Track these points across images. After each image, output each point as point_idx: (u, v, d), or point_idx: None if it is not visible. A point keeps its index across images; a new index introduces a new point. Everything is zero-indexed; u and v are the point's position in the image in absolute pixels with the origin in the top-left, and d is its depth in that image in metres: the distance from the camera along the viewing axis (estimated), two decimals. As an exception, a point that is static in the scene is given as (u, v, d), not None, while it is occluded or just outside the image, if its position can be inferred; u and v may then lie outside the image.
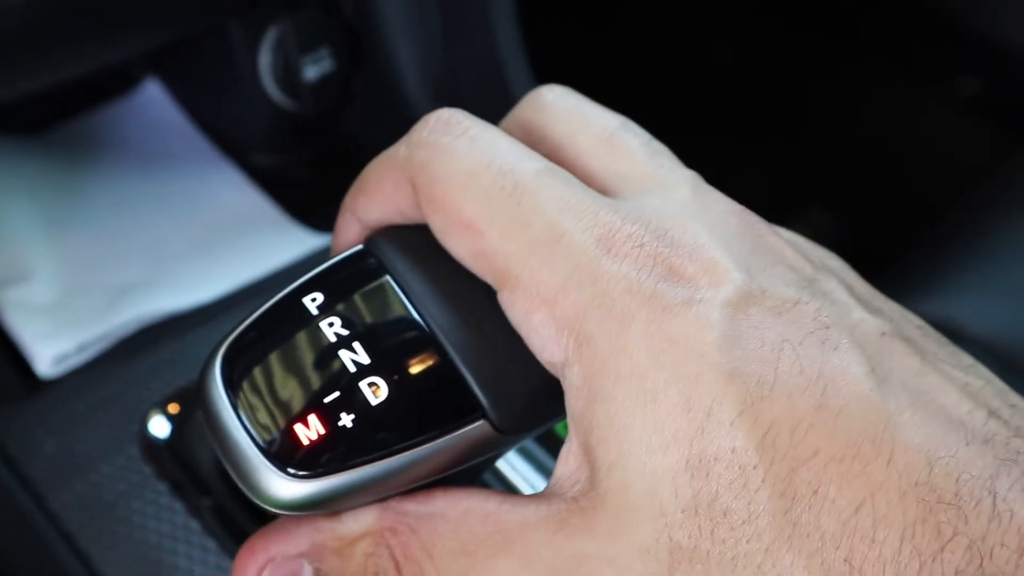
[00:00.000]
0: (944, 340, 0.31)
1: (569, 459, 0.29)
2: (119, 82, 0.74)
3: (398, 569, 0.30)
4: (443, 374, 0.29)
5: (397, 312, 0.30)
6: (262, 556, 0.31)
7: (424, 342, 0.30)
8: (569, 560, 0.28)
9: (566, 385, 0.29)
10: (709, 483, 0.26)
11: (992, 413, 0.28)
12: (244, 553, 0.32)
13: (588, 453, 0.28)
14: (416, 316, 0.30)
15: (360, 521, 0.30)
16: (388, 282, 0.31)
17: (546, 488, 0.30)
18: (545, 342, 0.29)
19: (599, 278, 0.28)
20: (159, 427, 0.53)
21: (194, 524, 0.50)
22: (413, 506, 0.30)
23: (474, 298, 0.30)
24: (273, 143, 0.72)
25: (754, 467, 0.26)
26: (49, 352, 0.56)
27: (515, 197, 0.29)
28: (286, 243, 0.65)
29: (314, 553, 0.31)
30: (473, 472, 0.32)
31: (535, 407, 0.30)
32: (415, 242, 0.31)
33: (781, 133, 1.08)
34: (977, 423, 0.27)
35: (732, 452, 0.26)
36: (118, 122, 0.73)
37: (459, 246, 0.30)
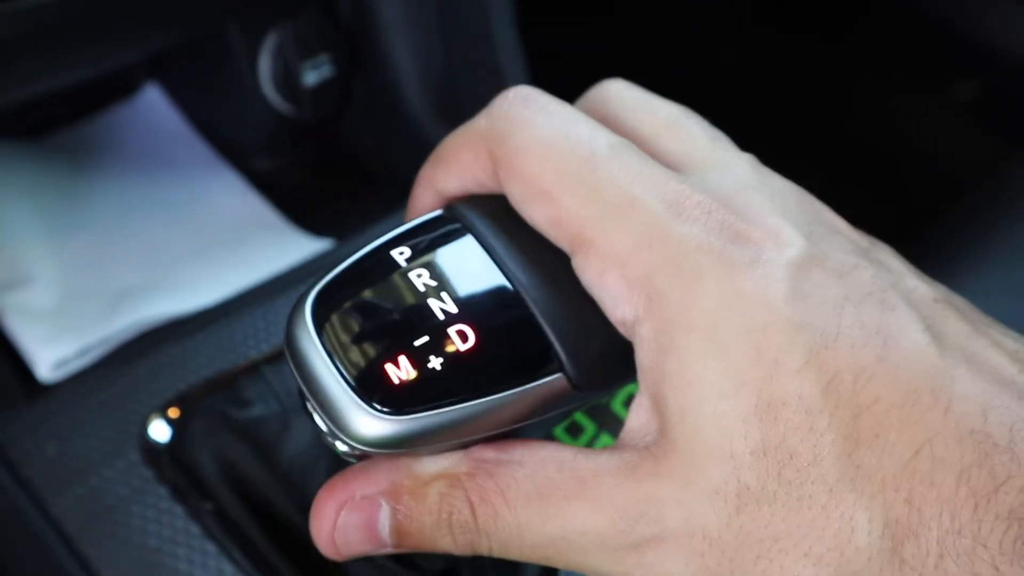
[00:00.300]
0: (992, 318, 0.33)
1: (640, 412, 0.31)
2: (120, 87, 0.74)
3: (472, 510, 0.31)
4: (525, 328, 0.31)
5: (481, 268, 0.32)
6: (342, 494, 0.32)
7: (508, 297, 0.31)
8: (640, 503, 0.29)
9: (637, 341, 0.30)
10: (777, 426, 0.28)
11: None
12: (323, 493, 0.33)
13: (659, 403, 0.30)
14: (499, 273, 0.32)
15: (438, 463, 0.32)
16: (471, 241, 0.32)
17: (618, 441, 0.31)
18: (618, 301, 0.30)
19: (669, 239, 0.30)
20: (159, 431, 0.54)
21: (194, 528, 0.50)
22: (492, 453, 0.31)
23: (552, 261, 0.32)
24: (273, 148, 0.73)
25: (820, 411, 0.27)
26: (50, 356, 0.57)
27: (590, 166, 0.31)
28: (286, 247, 0.66)
29: (392, 492, 0.32)
30: (545, 426, 0.33)
31: (608, 366, 0.32)
32: (494, 208, 0.33)
33: (778, 134, 1.08)
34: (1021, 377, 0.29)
35: (799, 398, 0.28)
36: (119, 127, 0.73)
37: (537, 213, 0.32)
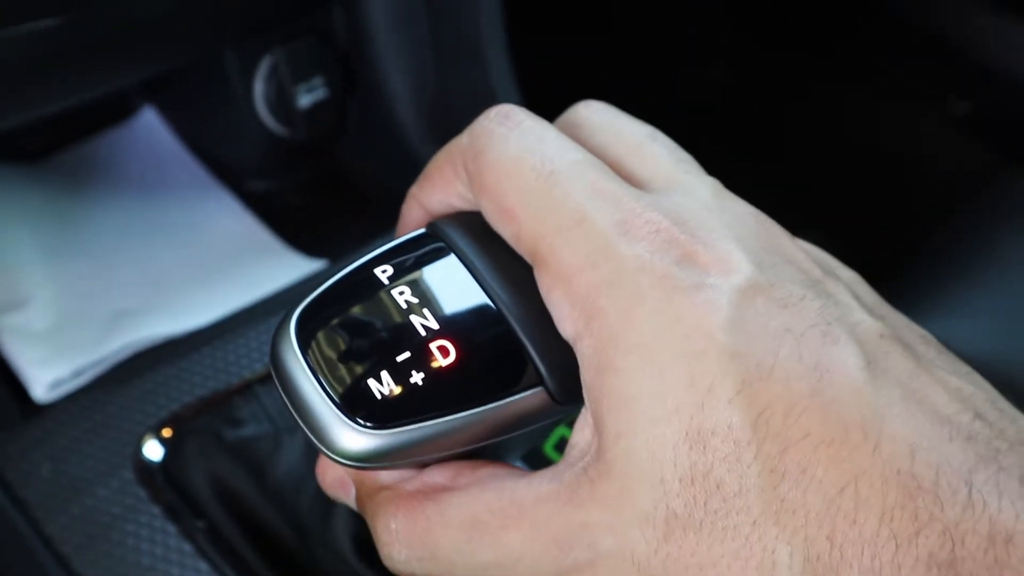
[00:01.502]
0: (944, 350, 0.33)
1: (584, 430, 0.31)
2: (116, 110, 0.75)
3: (409, 529, 0.32)
4: (505, 343, 0.32)
5: (462, 286, 0.32)
6: (323, 464, 0.36)
7: (488, 313, 0.32)
8: (575, 530, 0.29)
9: (579, 358, 0.30)
10: (706, 455, 0.28)
11: (979, 415, 0.29)
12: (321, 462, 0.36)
13: (598, 423, 0.30)
14: (480, 290, 0.32)
15: (392, 476, 0.33)
16: (452, 259, 0.33)
17: (563, 458, 0.31)
18: (562, 317, 0.31)
19: (613, 257, 0.30)
20: (153, 451, 0.54)
21: (187, 547, 0.51)
22: (440, 478, 0.32)
23: (529, 277, 0.32)
24: (268, 169, 0.73)
25: (748, 443, 0.27)
26: (45, 377, 0.57)
27: (549, 183, 0.31)
28: (280, 268, 0.66)
29: (355, 494, 0.34)
30: (528, 438, 0.33)
31: (579, 378, 0.31)
32: (474, 225, 0.33)
33: (772, 151, 1.09)
34: (963, 422, 0.29)
35: (728, 428, 0.28)
36: (115, 149, 0.74)
37: (503, 229, 0.32)
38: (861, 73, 1.15)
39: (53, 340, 0.59)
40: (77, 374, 0.58)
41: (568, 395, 0.32)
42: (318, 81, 0.69)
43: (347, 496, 0.36)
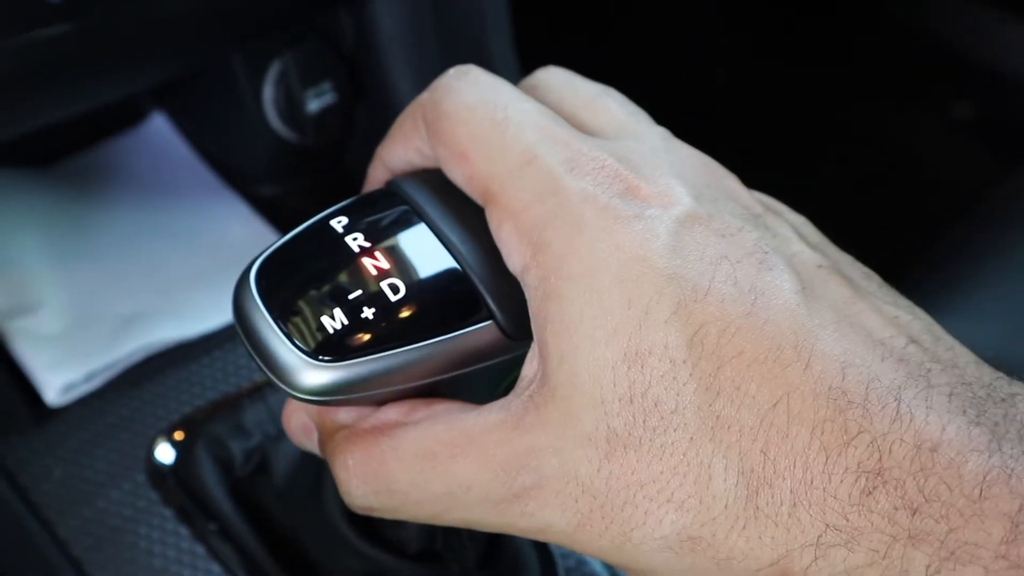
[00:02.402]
0: (887, 285, 0.34)
1: (532, 361, 0.32)
2: (126, 115, 0.76)
3: (366, 464, 0.33)
4: (456, 281, 0.33)
5: (415, 232, 0.34)
6: (289, 408, 0.37)
7: (439, 255, 0.33)
8: (521, 455, 0.30)
9: (525, 289, 0.32)
10: (644, 374, 0.29)
11: (913, 340, 0.30)
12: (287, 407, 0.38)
13: (542, 350, 0.31)
14: (430, 232, 0.33)
15: (350, 415, 0.34)
16: (406, 209, 0.34)
17: (514, 389, 0.32)
18: (511, 251, 0.32)
19: (559, 192, 0.31)
20: (165, 454, 0.55)
21: (199, 549, 0.51)
22: (394, 415, 0.33)
23: (479, 220, 0.33)
24: (276, 174, 0.74)
25: (683, 361, 0.29)
26: (57, 381, 0.58)
27: (502, 127, 0.33)
28: (289, 272, 0.67)
29: (316, 436, 0.36)
30: (487, 381, 0.34)
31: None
32: (430, 179, 0.35)
33: (775, 155, 1.09)
34: (897, 345, 0.30)
35: (664, 347, 0.29)
36: (125, 154, 0.74)
37: (455, 172, 0.34)
38: (864, 76, 1.16)
39: (65, 344, 0.60)
40: (89, 378, 0.58)
41: (519, 329, 0.33)
42: (326, 86, 0.69)
43: (310, 442, 0.37)
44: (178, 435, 0.55)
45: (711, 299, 0.29)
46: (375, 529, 0.46)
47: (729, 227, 0.31)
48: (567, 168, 0.31)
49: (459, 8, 0.69)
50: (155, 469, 0.54)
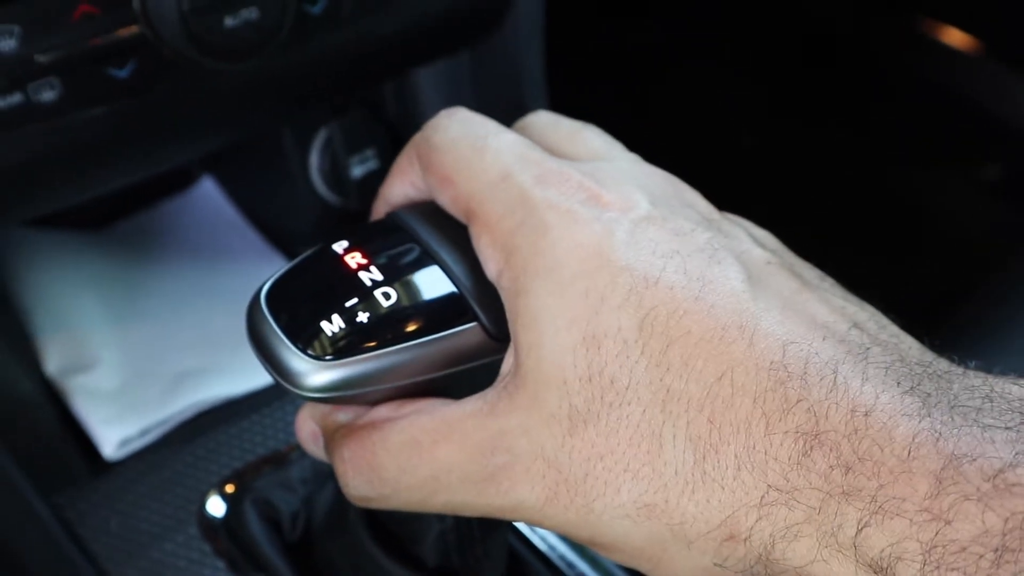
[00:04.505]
0: (845, 290, 0.36)
1: (509, 357, 0.35)
2: (177, 179, 0.79)
3: (360, 456, 0.36)
4: (444, 290, 0.36)
5: (407, 249, 0.37)
6: (298, 419, 0.40)
7: (429, 267, 0.37)
8: (495, 437, 0.33)
9: (501, 293, 0.35)
10: (600, 355, 0.32)
11: (857, 326, 0.33)
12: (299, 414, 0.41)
13: (515, 342, 0.34)
14: (422, 250, 0.37)
15: (347, 414, 0.38)
16: (401, 232, 0.38)
17: (493, 384, 0.35)
18: (488, 260, 0.35)
19: (527, 202, 0.34)
20: (216, 507, 0.57)
21: (249, 599, 0.53)
22: (385, 411, 0.36)
23: (465, 240, 0.37)
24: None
25: (635, 341, 0.31)
26: (114, 436, 0.60)
27: (481, 152, 0.36)
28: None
29: (318, 434, 0.39)
30: (474, 380, 0.37)
31: None
32: (424, 207, 0.39)
33: (802, 213, 1.11)
34: (840, 329, 0.32)
35: (618, 330, 0.32)
36: (175, 217, 0.77)
37: (443, 197, 0.37)
38: (892, 138, 1.17)
39: (121, 400, 0.62)
40: (144, 433, 0.60)
41: (502, 331, 0.36)
42: (370, 152, 0.72)
43: (318, 447, 0.40)
44: (229, 488, 0.57)
45: (661, 286, 0.32)
46: (398, 545, 0.48)
47: (682, 228, 0.34)
48: (536, 182, 0.35)
49: (497, 75, 0.72)
50: (207, 522, 0.56)
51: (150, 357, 0.66)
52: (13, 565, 0.56)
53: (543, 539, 0.56)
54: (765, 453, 0.30)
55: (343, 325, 0.35)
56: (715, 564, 0.32)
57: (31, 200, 0.53)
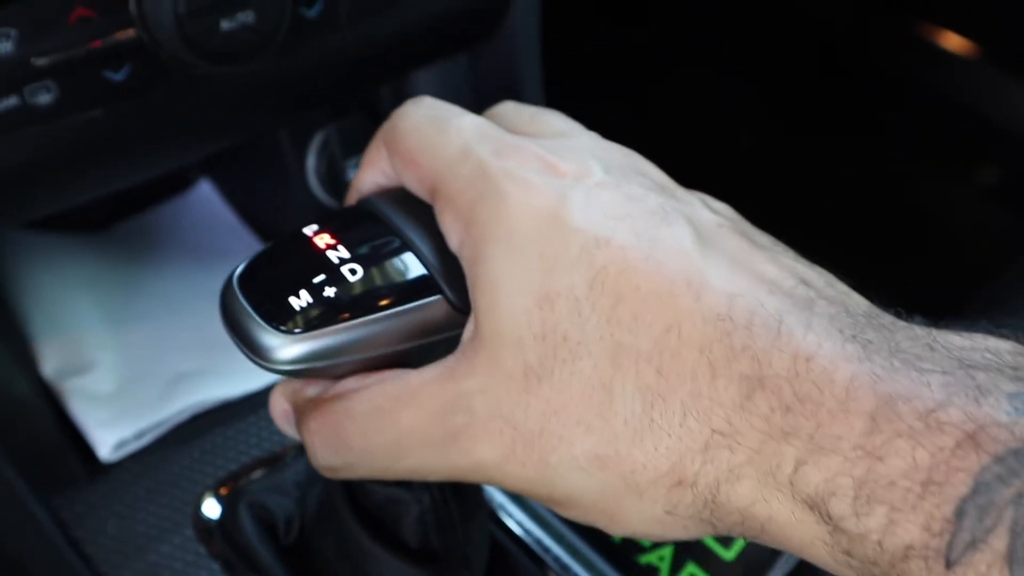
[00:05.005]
0: (796, 253, 0.37)
1: (470, 324, 0.35)
2: (174, 182, 0.79)
3: (329, 428, 0.37)
4: (409, 265, 0.37)
5: (374, 229, 0.38)
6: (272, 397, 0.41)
7: (394, 244, 0.38)
8: (454, 400, 0.34)
9: (463, 264, 0.36)
10: (553, 313, 0.32)
11: (805, 282, 0.33)
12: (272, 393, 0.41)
13: (474, 308, 0.35)
14: (389, 229, 0.38)
15: (316, 388, 0.39)
16: (369, 214, 0.39)
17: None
18: (450, 233, 0.36)
19: (486, 174, 0.35)
20: (211, 508, 0.57)
21: (244, 601, 0.53)
22: (353, 383, 0.37)
23: (431, 218, 0.37)
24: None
25: (585, 298, 0.32)
26: (110, 438, 0.60)
27: (444, 131, 0.37)
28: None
29: (290, 410, 0.40)
30: (433, 353, 0.37)
31: None
32: (391, 192, 0.40)
33: (798, 217, 1.11)
34: (787, 284, 0.33)
35: (570, 288, 0.32)
36: (173, 220, 0.77)
37: (408, 178, 0.38)
38: (889, 142, 1.17)
39: (117, 403, 0.62)
40: (140, 435, 0.61)
41: (466, 304, 0.36)
42: (367, 155, 0.72)
43: (290, 424, 0.41)
44: (224, 490, 0.58)
45: (612, 246, 0.33)
46: (381, 528, 0.48)
47: (635, 193, 0.35)
48: (494, 155, 0.36)
49: (494, 77, 0.72)
50: (202, 524, 0.56)
51: (146, 359, 0.66)
52: (10, 567, 0.56)
53: (520, 524, 0.56)
54: (710, 399, 0.31)
55: (311, 300, 0.36)
56: (666, 512, 0.33)
57: (28, 203, 0.53)
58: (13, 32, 0.44)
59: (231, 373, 0.65)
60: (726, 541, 0.55)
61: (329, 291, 0.36)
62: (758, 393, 0.30)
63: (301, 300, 0.36)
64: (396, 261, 0.37)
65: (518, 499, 0.57)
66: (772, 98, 1.25)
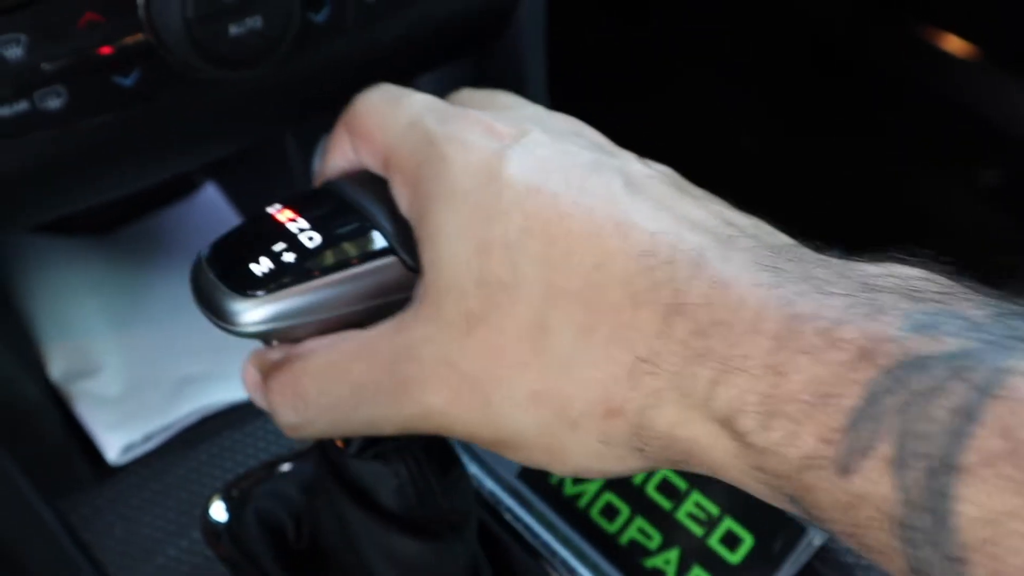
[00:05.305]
0: (729, 205, 0.38)
1: (419, 282, 0.37)
2: (180, 186, 0.79)
3: (289, 385, 0.38)
4: (364, 232, 0.39)
5: (333, 204, 0.40)
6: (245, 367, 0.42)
7: (350, 213, 0.40)
8: (403, 350, 0.36)
9: (412, 225, 0.37)
10: (490, 260, 0.34)
11: (731, 224, 0.35)
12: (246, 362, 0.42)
13: (421, 263, 0.36)
14: (345, 201, 0.40)
15: (281, 352, 0.40)
16: (328, 192, 0.41)
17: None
18: (400, 198, 0.38)
19: (431, 140, 0.37)
20: (219, 512, 0.57)
21: (253, 604, 0.53)
22: (313, 343, 0.39)
23: (386, 191, 0.40)
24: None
25: (518, 244, 0.34)
26: (118, 442, 0.60)
27: (397, 108, 0.39)
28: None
29: (260, 375, 0.41)
30: (389, 313, 0.39)
31: None
32: (354, 174, 0.42)
33: (800, 218, 1.11)
34: (711, 225, 0.34)
35: (504, 234, 0.34)
36: (179, 223, 0.78)
37: (365, 154, 0.40)
38: (889, 143, 1.17)
39: (124, 406, 0.63)
40: (147, 439, 0.61)
41: (417, 262, 0.38)
42: (372, 159, 0.72)
43: (260, 393, 0.42)
44: (232, 493, 0.58)
45: (544, 194, 0.34)
46: (368, 500, 0.48)
47: (570, 150, 0.37)
48: (438, 122, 0.37)
49: (499, 79, 0.72)
50: (210, 527, 0.56)
51: (154, 362, 0.66)
52: (18, 569, 0.56)
53: (527, 528, 0.56)
54: (632, 328, 0.32)
55: (271, 265, 0.38)
56: (600, 442, 0.34)
57: (37, 207, 0.54)
58: (23, 37, 0.44)
59: (237, 376, 0.64)
60: (732, 545, 0.55)
61: (288, 256, 0.38)
62: (676, 319, 0.32)
63: (262, 266, 0.38)
64: (352, 228, 0.40)
65: (525, 502, 0.58)
66: (773, 99, 1.25)
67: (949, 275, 0.32)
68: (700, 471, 0.34)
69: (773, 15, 1.24)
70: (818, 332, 0.29)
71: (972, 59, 1.15)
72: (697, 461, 0.33)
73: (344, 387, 0.37)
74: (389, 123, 0.39)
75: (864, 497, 0.28)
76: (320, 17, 0.51)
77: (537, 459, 0.36)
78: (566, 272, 0.33)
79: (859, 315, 0.29)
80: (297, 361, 0.39)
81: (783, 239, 0.36)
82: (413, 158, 0.37)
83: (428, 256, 0.36)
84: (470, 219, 0.35)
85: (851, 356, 0.29)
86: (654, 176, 0.37)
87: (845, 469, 0.28)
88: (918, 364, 0.28)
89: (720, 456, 0.32)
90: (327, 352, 0.38)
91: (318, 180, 0.44)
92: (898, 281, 0.31)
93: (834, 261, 0.33)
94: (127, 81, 0.48)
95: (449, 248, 0.35)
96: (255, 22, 0.47)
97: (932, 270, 0.32)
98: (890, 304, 0.30)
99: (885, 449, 0.27)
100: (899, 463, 0.27)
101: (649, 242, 0.33)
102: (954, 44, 1.15)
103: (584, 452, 0.35)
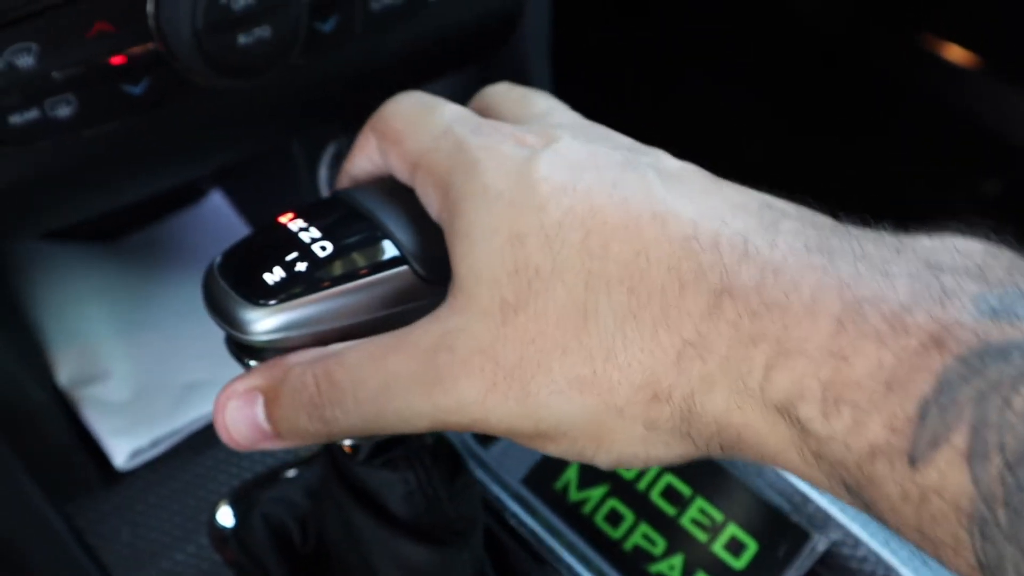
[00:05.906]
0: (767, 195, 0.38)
1: (452, 283, 0.37)
2: (186, 193, 0.79)
3: (316, 383, 0.37)
4: (376, 241, 0.40)
5: (346, 213, 0.41)
6: (230, 388, 0.40)
7: (362, 223, 0.40)
8: (438, 340, 0.35)
9: (443, 228, 0.37)
10: (525, 249, 0.34)
11: (769, 206, 0.34)
12: (220, 393, 0.40)
13: (453, 260, 0.36)
14: (358, 211, 0.40)
15: (301, 356, 0.38)
16: (343, 201, 0.41)
17: None
18: (430, 204, 0.38)
19: (463, 147, 0.37)
20: (226, 517, 0.57)
21: (259, 609, 0.53)
22: (339, 347, 0.38)
23: (402, 198, 0.40)
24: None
25: (556, 235, 0.34)
26: (125, 447, 0.61)
27: (428, 115, 0.40)
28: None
29: (266, 384, 0.39)
30: (402, 322, 0.39)
31: (445, 261, 0.38)
32: (370, 183, 0.42)
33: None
34: (752, 208, 0.34)
35: (539, 226, 0.34)
36: (185, 230, 0.78)
37: (392, 157, 0.41)
38: (892, 154, 1.17)
39: (131, 411, 0.63)
40: (154, 444, 0.61)
41: (431, 272, 0.39)
42: (378, 166, 0.73)
43: (259, 426, 0.39)
44: (239, 499, 0.58)
45: (579, 189, 0.35)
46: (375, 507, 0.48)
47: (601, 151, 0.37)
48: (472, 133, 0.38)
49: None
50: (217, 532, 0.57)
51: (161, 368, 0.66)
52: (25, 573, 0.56)
53: (532, 533, 0.57)
54: (679, 310, 0.32)
55: (284, 275, 0.38)
56: (646, 428, 0.33)
57: (46, 214, 0.54)
58: (34, 46, 0.45)
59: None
60: (736, 551, 0.55)
61: (301, 266, 0.38)
62: (726, 301, 0.31)
63: (275, 276, 0.38)
64: (364, 237, 0.40)
65: (530, 508, 0.58)
66: (776, 107, 1.25)
67: (1011, 248, 0.32)
68: (751, 458, 0.33)
69: (778, 23, 1.25)
70: (883, 317, 0.28)
71: (974, 69, 1.15)
72: (749, 448, 0.32)
73: (379, 378, 0.36)
74: (420, 129, 0.39)
75: (935, 489, 0.27)
76: (328, 27, 0.51)
77: (580, 448, 0.35)
78: (604, 259, 0.33)
79: (926, 299, 0.28)
80: (331, 356, 0.38)
81: (824, 218, 0.35)
82: (444, 163, 0.38)
83: (459, 249, 0.36)
84: (504, 213, 0.35)
85: (921, 342, 0.28)
86: (688, 167, 0.37)
87: (915, 460, 0.27)
88: (995, 352, 0.27)
89: (776, 443, 0.31)
90: (363, 345, 0.37)
91: (343, 177, 0.44)
92: (960, 258, 0.30)
93: (885, 235, 0.32)
94: (136, 90, 0.48)
95: (483, 240, 0.35)
96: (263, 32, 0.47)
97: (990, 241, 0.32)
98: (956, 286, 0.29)
99: (959, 440, 0.27)
100: (974, 455, 0.26)
101: (691, 228, 0.33)
102: (956, 54, 1.15)
103: (629, 439, 0.34)
